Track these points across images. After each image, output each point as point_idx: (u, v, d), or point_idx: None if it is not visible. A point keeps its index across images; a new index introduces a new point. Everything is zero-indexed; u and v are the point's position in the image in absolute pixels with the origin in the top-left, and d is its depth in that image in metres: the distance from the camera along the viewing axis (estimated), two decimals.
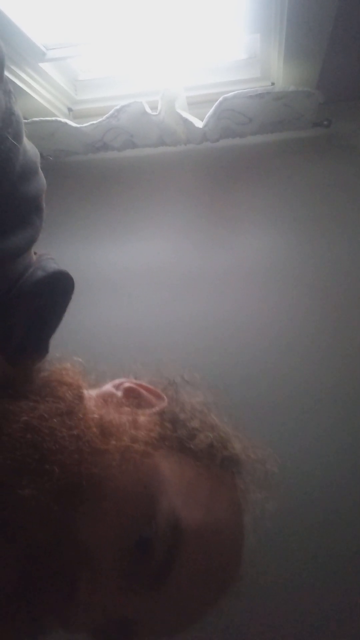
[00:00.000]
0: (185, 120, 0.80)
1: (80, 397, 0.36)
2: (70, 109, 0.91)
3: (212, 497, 0.36)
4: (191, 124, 0.79)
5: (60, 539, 0.29)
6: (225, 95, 0.76)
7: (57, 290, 0.37)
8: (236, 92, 0.76)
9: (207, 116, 0.79)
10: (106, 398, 0.39)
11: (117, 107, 0.80)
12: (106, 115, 0.81)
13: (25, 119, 0.30)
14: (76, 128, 0.83)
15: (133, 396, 0.40)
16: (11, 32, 0.67)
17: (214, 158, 0.90)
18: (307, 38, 0.68)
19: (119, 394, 0.40)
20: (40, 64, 0.76)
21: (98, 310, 0.85)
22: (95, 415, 0.35)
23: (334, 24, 0.65)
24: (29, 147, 0.31)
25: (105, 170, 0.95)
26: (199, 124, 0.80)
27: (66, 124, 0.83)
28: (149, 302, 0.86)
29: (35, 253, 0.37)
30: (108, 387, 0.41)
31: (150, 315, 0.85)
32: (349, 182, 0.84)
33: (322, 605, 0.69)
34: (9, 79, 0.27)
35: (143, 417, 0.38)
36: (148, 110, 0.79)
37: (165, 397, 0.42)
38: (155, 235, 0.90)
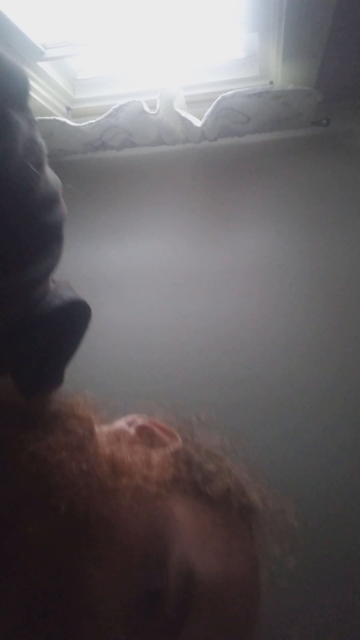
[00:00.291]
0: (184, 119, 0.79)
1: (91, 432, 0.35)
2: (68, 108, 0.91)
3: (228, 548, 0.34)
4: (190, 123, 0.79)
5: (64, 585, 0.27)
6: (224, 94, 0.76)
7: (73, 319, 0.35)
8: (235, 90, 0.76)
9: (205, 115, 0.79)
10: (118, 435, 0.37)
11: (116, 106, 0.80)
12: (105, 115, 0.81)
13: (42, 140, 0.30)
14: (75, 127, 0.83)
15: (146, 434, 0.39)
16: (9, 31, 0.67)
17: (212, 157, 0.90)
18: (306, 37, 0.68)
19: (132, 431, 0.39)
20: (39, 63, 0.76)
21: (96, 309, 0.84)
22: (107, 451, 0.33)
23: (332, 23, 0.65)
24: (51, 176, 0.31)
25: (104, 169, 0.95)
26: (198, 123, 0.80)
27: (65, 123, 0.82)
28: (147, 301, 0.86)
29: (53, 281, 0.36)
30: (121, 423, 0.40)
31: (149, 314, 0.85)
32: (347, 181, 0.84)
33: (322, 604, 0.69)
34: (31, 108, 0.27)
35: (156, 457, 0.35)
36: (147, 109, 0.79)
37: (179, 437, 0.40)
38: (154, 234, 0.90)
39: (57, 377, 0.37)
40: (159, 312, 0.85)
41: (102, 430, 0.37)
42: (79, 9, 0.69)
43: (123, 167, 0.94)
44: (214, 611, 0.31)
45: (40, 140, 0.29)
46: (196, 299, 0.84)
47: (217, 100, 0.76)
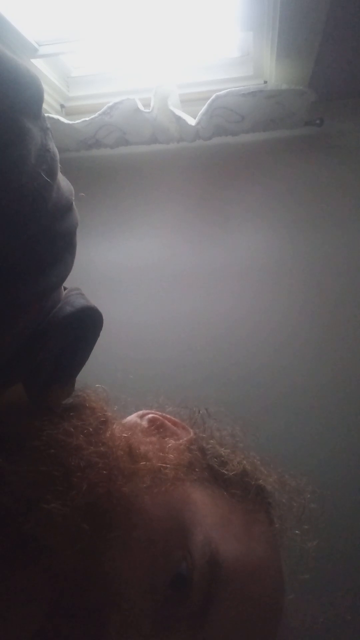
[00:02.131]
0: (178, 118, 0.80)
1: (106, 420, 0.35)
2: (62, 106, 0.90)
3: (248, 533, 0.33)
4: (184, 121, 0.79)
5: (89, 567, 0.27)
6: (218, 93, 0.76)
7: (85, 326, 0.35)
8: (229, 90, 0.76)
9: (199, 114, 0.79)
10: (131, 426, 0.37)
11: (110, 104, 0.79)
12: (99, 112, 0.81)
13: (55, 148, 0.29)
14: (68, 125, 0.83)
15: (158, 426, 0.39)
16: (3, 27, 0.66)
17: (206, 156, 0.90)
18: (300, 36, 0.68)
19: (144, 423, 0.39)
20: (33, 60, 0.76)
21: None
22: (123, 436, 0.33)
23: (326, 23, 0.65)
24: (63, 184, 0.30)
25: (98, 167, 0.95)
26: (192, 121, 0.80)
27: (58, 120, 0.82)
28: (142, 300, 0.86)
29: (65, 288, 0.35)
30: (132, 417, 0.40)
31: (144, 312, 0.85)
32: (341, 180, 0.84)
33: (322, 604, 0.69)
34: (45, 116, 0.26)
35: (171, 444, 0.35)
36: (141, 107, 0.79)
37: (190, 429, 0.40)
38: (148, 233, 0.90)
39: (68, 384, 0.37)
40: (154, 310, 0.85)
41: (116, 422, 0.37)
42: (74, 5, 0.68)
43: (117, 165, 0.94)
44: (239, 596, 0.30)
45: (54, 148, 0.28)
46: (191, 298, 0.84)
47: (211, 99, 0.76)
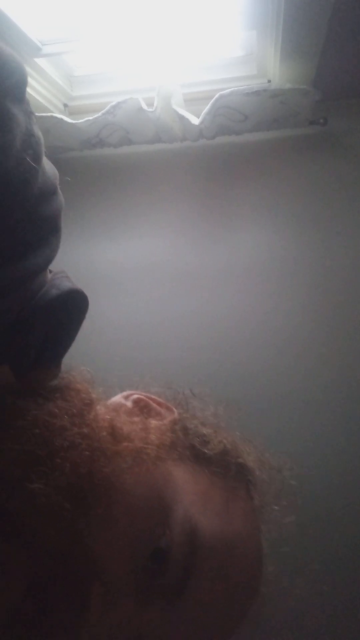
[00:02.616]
0: (182, 117, 0.79)
1: (90, 401, 0.36)
2: (66, 105, 0.90)
3: (228, 508, 0.35)
4: (187, 120, 0.79)
5: (71, 545, 0.28)
6: (222, 92, 0.76)
7: (71, 309, 0.36)
8: (232, 89, 0.76)
9: (203, 113, 0.79)
10: (116, 407, 0.38)
11: (113, 103, 0.79)
12: (102, 112, 0.81)
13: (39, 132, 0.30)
14: (72, 124, 0.83)
15: (142, 407, 0.40)
16: (6, 27, 0.66)
17: (210, 155, 0.90)
18: (303, 35, 0.68)
19: (129, 404, 0.39)
20: (36, 60, 0.76)
21: (94, 308, 0.84)
22: (106, 419, 0.34)
23: (330, 22, 0.65)
24: (48, 168, 0.31)
25: (101, 166, 0.95)
26: (195, 121, 0.80)
27: (62, 120, 0.82)
28: (145, 299, 0.86)
29: (50, 271, 0.36)
30: (117, 397, 0.41)
31: (147, 312, 0.85)
32: (345, 180, 0.84)
33: (321, 604, 0.69)
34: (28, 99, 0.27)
35: (154, 425, 0.36)
36: (144, 106, 0.79)
37: (174, 409, 0.41)
38: (151, 232, 0.89)
39: (54, 366, 0.38)
40: (156, 309, 0.85)
41: (100, 403, 0.38)
42: (77, 5, 0.68)
43: (120, 164, 0.94)
44: (218, 569, 0.31)
45: (38, 132, 0.29)
46: (194, 297, 0.84)
47: (214, 98, 0.76)
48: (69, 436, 0.30)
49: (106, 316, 0.84)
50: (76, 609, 0.27)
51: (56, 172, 0.32)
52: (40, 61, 0.77)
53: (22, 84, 0.27)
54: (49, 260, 0.32)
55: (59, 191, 0.32)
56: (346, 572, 0.68)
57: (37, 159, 0.28)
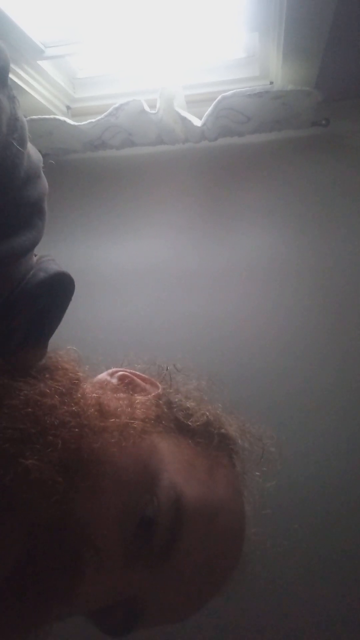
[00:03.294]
0: (184, 119, 0.80)
1: (78, 380, 0.37)
2: (68, 107, 0.91)
3: (212, 476, 0.37)
4: (190, 122, 0.79)
5: (64, 515, 0.29)
6: (224, 94, 0.76)
7: (57, 292, 0.37)
8: (235, 90, 0.76)
9: (205, 115, 0.79)
10: (102, 384, 0.40)
11: (116, 105, 0.80)
12: (105, 114, 0.81)
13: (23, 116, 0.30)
14: (74, 126, 0.83)
15: (128, 383, 0.41)
16: (10, 29, 0.67)
17: (212, 157, 0.90)
18: (306, 37, 0.68)
19: (114, 381, 0.41)
20: (39, 62, 0.76)
21: (96, 309, 0.85)
22: (94, 395, 0.35)
23: (332, 23, 0.65)
24: (33, 152, 0.32)
25: (104, 168, 0.95)
26: (198, 122, 0.80)
27: (64, 122, 0.82)
28: (147, 301, 0.86)
29: (35, 255, 0.37)
30: (103, 375, 0.42)
31: (149, 313, 0.85)
32: (347, 181, 0.84)
33: (321, 604, 0.69)
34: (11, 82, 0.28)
35: (139, 400, 0.38)
36: (147, 108, 0.79)
37: (159, 384, 0.43)
38: (154, 234, 0.90)
39: (40, 348, 0.39)
40: (157, 310, 0.85)
41: (87, 381, 0.39)
42: (80, 7, 0.69)
43: (123, 166, 0.94)
44: (202, 532, 0.33)
45: (22, 116, 0.29)
46: (196, 298, 0.84)
47: (217, 100, 0.76)
48: (59, 414, 0.32)
49: (107, 316, 0.85)
50: (69, 575, 0.28)
51: (40, 156, 0.33)
52: (43, 63, 0.77)
53: (4, 69, 0.27)
54: (34, 242, 0.33)
55: (43, 175, 0.33)
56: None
57: (23, 142, 0.29)
